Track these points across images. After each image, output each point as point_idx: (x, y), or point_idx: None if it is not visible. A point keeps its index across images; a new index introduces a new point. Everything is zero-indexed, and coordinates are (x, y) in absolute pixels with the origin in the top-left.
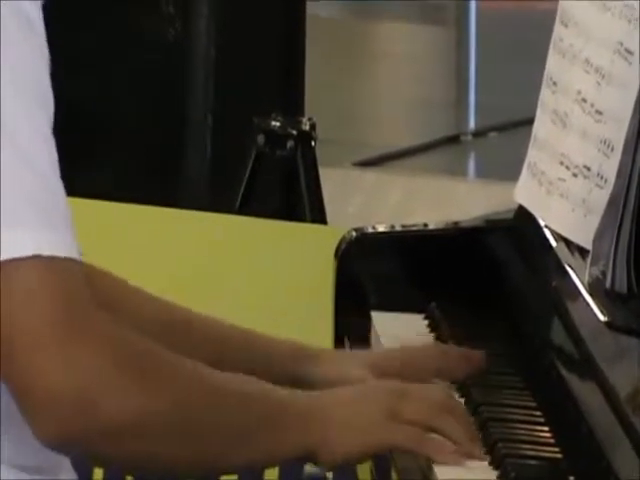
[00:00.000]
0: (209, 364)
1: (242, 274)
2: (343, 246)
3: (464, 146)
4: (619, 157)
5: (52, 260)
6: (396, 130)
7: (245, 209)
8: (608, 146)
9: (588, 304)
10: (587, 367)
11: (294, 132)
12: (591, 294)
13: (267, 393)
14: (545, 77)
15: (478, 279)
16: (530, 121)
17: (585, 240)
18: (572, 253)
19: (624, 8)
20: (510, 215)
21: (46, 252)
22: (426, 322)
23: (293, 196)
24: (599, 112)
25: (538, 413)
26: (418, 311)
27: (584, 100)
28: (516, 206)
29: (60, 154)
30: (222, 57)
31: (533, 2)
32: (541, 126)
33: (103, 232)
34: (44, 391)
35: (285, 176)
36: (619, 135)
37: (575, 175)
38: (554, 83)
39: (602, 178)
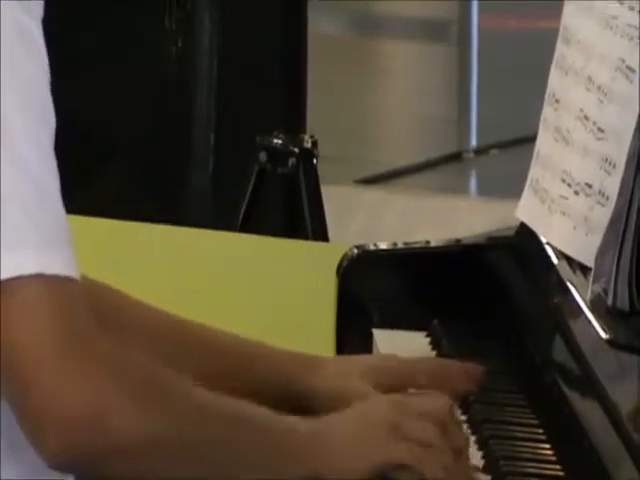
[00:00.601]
0: (210, 375)
1: (244, 291)
2: (345, 263)
3: (466, 163)
4: (621, 175)
5: (54, 279)
6: (398, 147)
7: (247, 226)
8: (610, 164)
9: (590, 322)
10: (589, 384)
11: (296, 149)
12: (593, 312)
13: (270, 417)
14: (547, 94)
15: (480, 296)
16: (532, 138)
17: (587, 258)
18: (574, 271)
19: (626, 26)
20: (512, 232)
21: (48, 271)
22: (428, 340)
23: (295, 213)
24: (601, 130)
25: (540, 431)
26: (420, 328)
27: (586, 117)
28: (518, 223)
29: (62, 171)
30: (224, 74)
31: (535, 20)
32: (543, 143)
33: (105, 249)
34: (47, 411)
35: (287, 193)
36: (621, 153)
37: (577, 193)
38: (556, 100)
39: (604, 196)
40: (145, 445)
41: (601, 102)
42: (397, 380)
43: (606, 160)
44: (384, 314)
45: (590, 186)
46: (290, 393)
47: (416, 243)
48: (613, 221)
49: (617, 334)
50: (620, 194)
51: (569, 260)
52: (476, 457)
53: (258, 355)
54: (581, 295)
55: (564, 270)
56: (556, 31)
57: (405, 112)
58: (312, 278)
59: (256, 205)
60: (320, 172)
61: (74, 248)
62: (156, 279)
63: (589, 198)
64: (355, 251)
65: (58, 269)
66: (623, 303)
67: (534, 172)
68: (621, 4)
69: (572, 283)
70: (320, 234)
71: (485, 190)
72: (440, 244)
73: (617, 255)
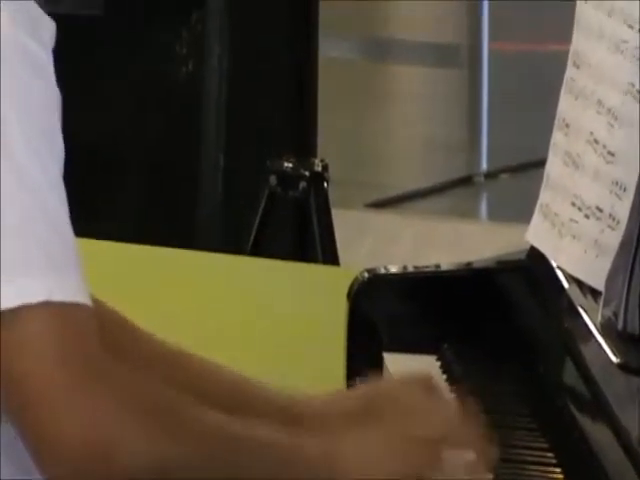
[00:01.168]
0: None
1: (254, 315)
2: (355, 287)
3: (476, 187)
4: (631, 198)
5: (62, 306)
6: (409, 171)
7: (257, 250)
8: (620, 187)
9: (600, 345)
10: (599, 408)
11: (306, 173)
12: (603, 335)
13: (279, 436)
14: (557, 118)
15: (490, 320)
16: (542, 162)
17: (597, 281)
18: (584, 294)
19: (636, 50)
20: (522, 256)
21: (56, 298)
22: (439, 363)
23: (305, 237)
24: (611, 153)
25: (550, 454)
26: (431, 352)
27: (596, 141)
28: (528, 247)
29: (71, 194)
30: (234, 98)
31: (545, 44)
32: (553, 167)
33: (116, 273)
34: (57, 440)
35: (297, 217)
36: (631, 176)
37: (587, 216)
38: (566, 125)
39: (614, 219)
40: (155, 471)
41: (611, 126)
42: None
43: (616, 184)
44: (395, 337)
45: (600, 210)
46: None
47: (426, 267)
48: (623, 245)
49: (628, 358)
50: (630, 218)
51: (579, 284)
52: None
53: (260, 396)
54: (591, 319)
55: (574, 294)
56: (566, 55)
57: (415, 136)
58: (322, 302)
59: (266, 228)
60: (330, 195)
61: (84, 274)
62: (166, 302)
63: (599, 222)
64: (365, 275)
65: (66, 296)
66: (634, 327)
67: (544, 196)
68: (631, 28)
69: (582, 307)
70: (330, 258)
71: (495, 214)
72: (450, 268)
73: (627, 279)
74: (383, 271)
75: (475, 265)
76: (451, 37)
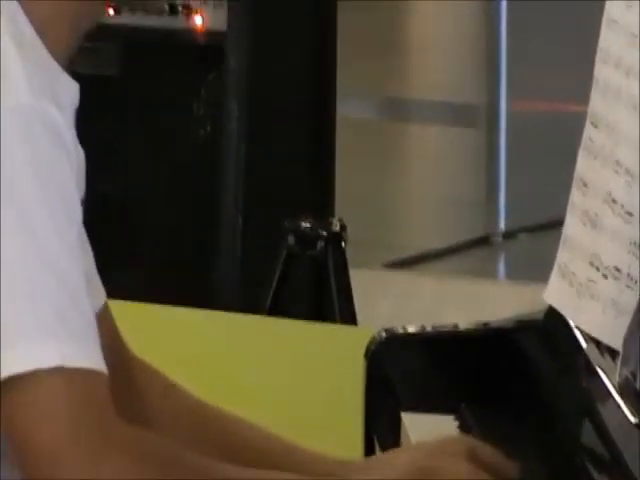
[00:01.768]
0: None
1: (272, 374)
2: (373, 347)
3: (494, 247)
4: None
5: (76, 372)
6: (426, 231)
7: (276, 310)
8: (638, 247)
9: (619, 406)
10: (618, 469)
11: (324, 233)
12: (622, 395)
13: None
14: (575, 178)
15: (509, 380)
16: (560, 222)
17: (615, 341)
18: (602, 354)
19: None
20: (540, 316)
21: (70, 364)
22: (457, 423)
23: (323, 297)
24: (629, 213)
25: None
26: (449, 412)
27: (614, 201)
28: (546, 307)
29: (93, 254)
30: (252, 158)
31: (562, 104)
32: (571, 227)
33: (134, 333)
34: None
35: (315, 277)
36: None
37: (605, 276)
38: (584, 184)
39: (632, 279)
40: None
41: (629, 186)
42: None
43: (634, 244)
44: (413, 397)
45: (619, 270)
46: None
47: (444, 326)
48: None
49: None
50: None
51: (598, 343)
52: None
53: (288, 455)
54: (610, 379)
55: (593, 353)
56: (584, 114)
57: (433, 195)
58: (340, 361)
59: (284, 288)
60: (348, 255)
61: (99, 340)
62: (183, 362)
63: (618, 282)
64: (383, 334)
65: (79, 362)
66: None
67: (562, 256)
68: None
69: (601, 367)
70: (348, 317)
71: (514, 274)
72: (468, 327)
73: None
74: (401, 331)
75: (493, 325)
76: (469, 97)
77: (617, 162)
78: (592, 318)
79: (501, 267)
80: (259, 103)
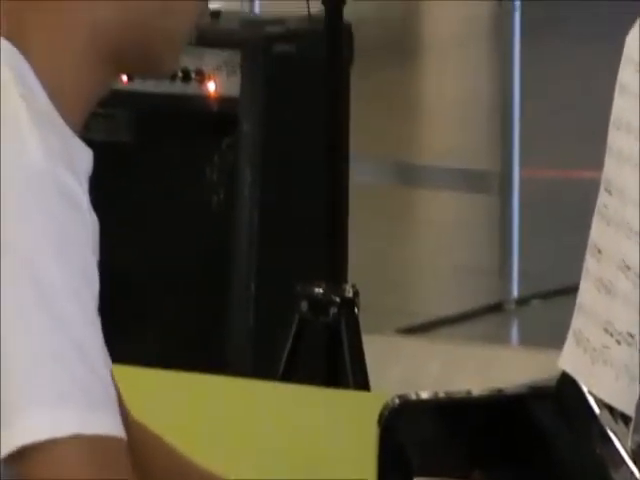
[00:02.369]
0: None
1: (285, 440)
2: (386, 413)
3: (507, 314)
4: None
5: (94, 439)
6: (439, 297)
7: (288, 375)
8: None
9: (632, 472)
10: None
11: (337, 299)
12: (635, 461)
13: None
14: (589, 244)
15: (522, 446)
16: (574, 289)
17: (629, 407)
18: (616, 420)
19: None
20: (554, 382)
21: (88, 431)
22: None
23: (336, 362)
24: None
25: None
26: (462, 478)
27: (627, 267)
28: (559, 373)
29: (103, 318)
30: (265, 224)
31: (575, 170)
32: (585, 293)
33: (148, 400)
34: None
35: (328, 342)
36: None
37: (619, 342)
38: (598, 251)
39: None
40: None
41: None
42: None
43: None
44: (426, 463)
45: (632, 336)
46: None
47: (458, 393)
48: None
49: None
50: None
51: (611, 409)
52: None
53: None
54: (623, 444)
55: (606, 419)
56: (597, 181)
57: (446, 262)
58: (353, 427)
59: (297, 354)
60: (361, 321)
61: (117, 407)
62: (196, 428)
63: (631, 347)
64: (396, 400)
65: (98, 429)
66: None
67: (577, 322)
68: None
69: (614, 432)
70: (361, 383)
71: (527, 340)
72: (482, 394)
73: None
74: (414, 397)
75: (506, 391)
76: (482, 163)
77: (630, 228)
78: (606, 384)
79: (514, 334)
80: (272, 169)
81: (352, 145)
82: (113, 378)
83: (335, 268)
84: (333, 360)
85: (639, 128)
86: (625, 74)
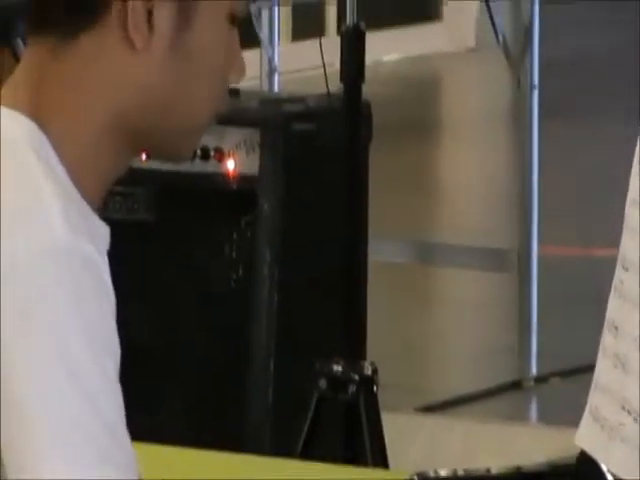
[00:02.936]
0: None
1: None
2: None
3: (526, 392)
4: None
5: None
6: (458, 375)
7: (307, 453)
8: None
9: None
10: None
11: (356, 377)
12: None
13: None
14: (607, 321)
15: None
16: (592, 366)
17: None
18: None
19: None
20: (573, 460)
21: None
22: None
23: (355, 440)
24: None
25: None
26: None
27: None
28: (579, 451)
29: (124, 397)
30: (284, 302)
31: (593, 248)
32: (602, 370)
33: (166, 477)
34: None
35: (347, 420)
36: None
37: (636, 420)
38: (615, 327)
39: None
40: None
41: None
42: None
43: None
44: None
45: None
46: None
47: (477, 471)
48: None
49: None
50: None
51: None
52: None
53: None
54: None
55: None
56: (614, 258)
57: (465, 340)
58: None
59: (316, 432)
60: (380, 398)
61: (138, 475)
62: None
63: None
64: (415, 478)
65: None
66: None
67: (594, 399)
68: None
69: None
70: (380, 461)
71: (546, 418)
72: (501, 471)
73: None
74: (433, 475)
75: (526, 469)
76: (500, 242)
77: None
78: (623, 461)
79: (533, 411)
80: (291, 247)
81: (371, 223)
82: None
83: (354, 345)
84: (352, 438)
85: None
86: None
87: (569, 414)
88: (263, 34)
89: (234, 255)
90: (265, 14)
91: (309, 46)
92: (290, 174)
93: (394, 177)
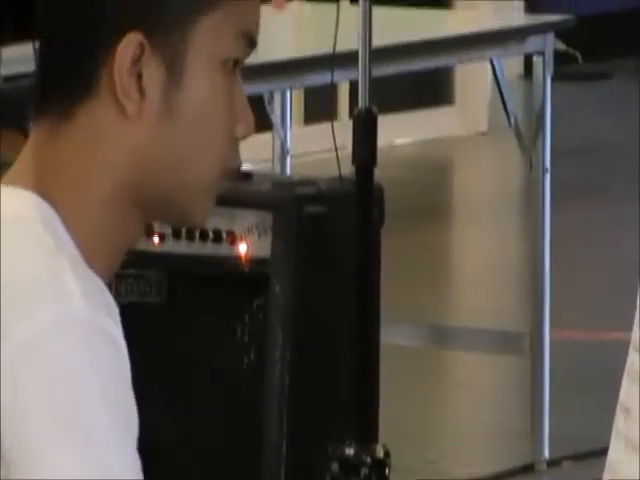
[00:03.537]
0: None
1: None
2: None
3: (539, 475)
4: None
5: None
6: (471, 458)
7: None
8: None
9: None
10: None
11: (368, 459)
12: None
13: None
14: (619, 403)
15: None
16: (605, 450)
17: None
18: None
19: None
20: None
21: None
22: None
23: None
24: None
25: None
26: None
27: None
28: None
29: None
30: (296, 385)
31: (605, 331)
32: (615, 452)
33: None
34: None
35: None
36: None
37: None
38: (627, 409)
39: None
40: None
41: None
42: None
43: None
44: None
45: None
46: None
47: None
48: None
49: None
50: None
51: None
52: None
53: None
54: None
55: None
56: (626, 341)
57: (478, 422)
58: None
59: None
60: None
61: None
62: None
63: None
64: None
65: None
66: None
67: None
68: None
69: None
70: None
71: None
72: None
73: None
74: None
75: None
76: (513, 325)
77: None
78: None
79: None
80: (303, 330)
81: (383, 306)
82: None
83: (366, 428)
84: None
85: None
86: None
87: None
88: (275, 117)
89: (246, 338)
90: (277, 97)
91: (321, 129)
92: (302, 256)
93: (406, 260)
